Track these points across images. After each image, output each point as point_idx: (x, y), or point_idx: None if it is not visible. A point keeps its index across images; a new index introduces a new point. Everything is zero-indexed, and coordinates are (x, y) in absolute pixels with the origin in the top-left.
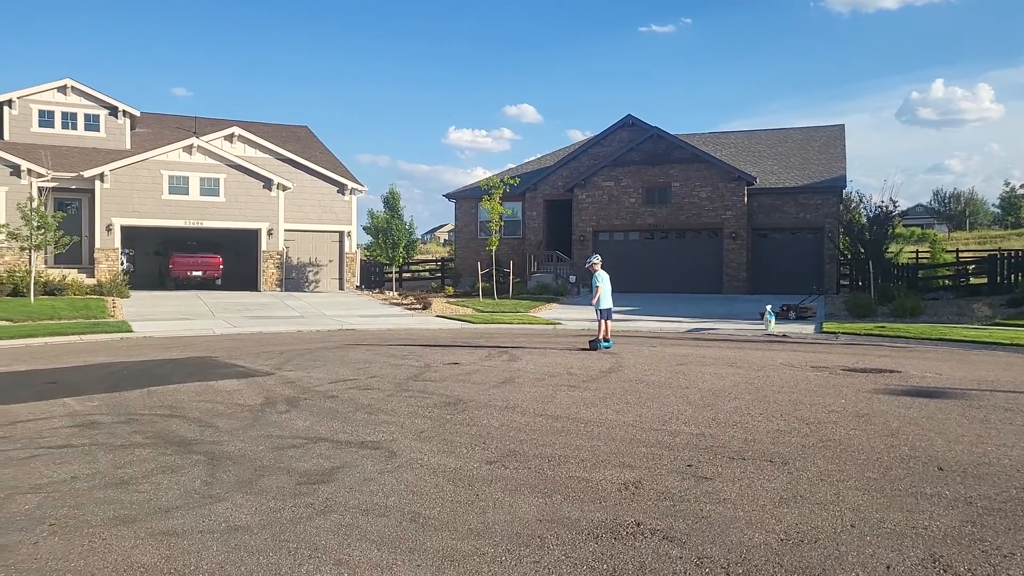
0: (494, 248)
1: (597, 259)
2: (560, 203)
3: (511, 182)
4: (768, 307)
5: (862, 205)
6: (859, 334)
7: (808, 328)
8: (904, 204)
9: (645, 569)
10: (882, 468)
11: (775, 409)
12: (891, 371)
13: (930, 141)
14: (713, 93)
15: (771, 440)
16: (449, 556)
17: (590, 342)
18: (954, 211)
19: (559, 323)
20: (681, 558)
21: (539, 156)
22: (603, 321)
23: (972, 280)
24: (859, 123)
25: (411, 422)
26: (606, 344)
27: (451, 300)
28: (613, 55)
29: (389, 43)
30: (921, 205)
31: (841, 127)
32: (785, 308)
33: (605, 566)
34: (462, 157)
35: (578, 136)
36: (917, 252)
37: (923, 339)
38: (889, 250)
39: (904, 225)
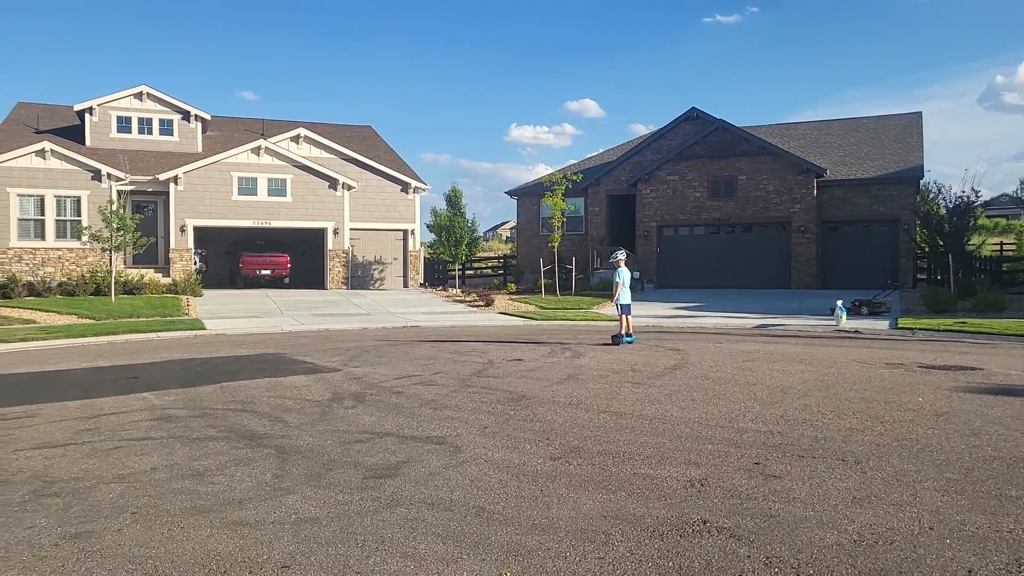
0: (556, 244)
1: (623, 254)
2: (623, 198)
3: (573, 178)
4: (839, 302)
5: (941, 196)
6: (938, 330)
7: (882, 324)
8: (987, 194)
9: (712, 567)
10: (963, 469)
11: (847, 407)
12: (973, 368)
13: (1016, 127)
14: (781, 84)
15: (843, 438)
16: (514, 551)
17: (612, 337)
18: None
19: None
20: (749, 557)
21: (601, 151)
22: (624, 316)
23: None
24: (938, 110)
25: (475, 418)
26: (628, 339)
27: (513, 297)
28: (677, 47)
29: (450, 42)
30: (1006, 195)
31: (918, 115)
32: (857, 303)
33: (671, 563)
34: (524, 154)
35: (641, 130)
36: (1001, 244)
37: (1008, 335)
38: (971, 242)
39: (987, 216)
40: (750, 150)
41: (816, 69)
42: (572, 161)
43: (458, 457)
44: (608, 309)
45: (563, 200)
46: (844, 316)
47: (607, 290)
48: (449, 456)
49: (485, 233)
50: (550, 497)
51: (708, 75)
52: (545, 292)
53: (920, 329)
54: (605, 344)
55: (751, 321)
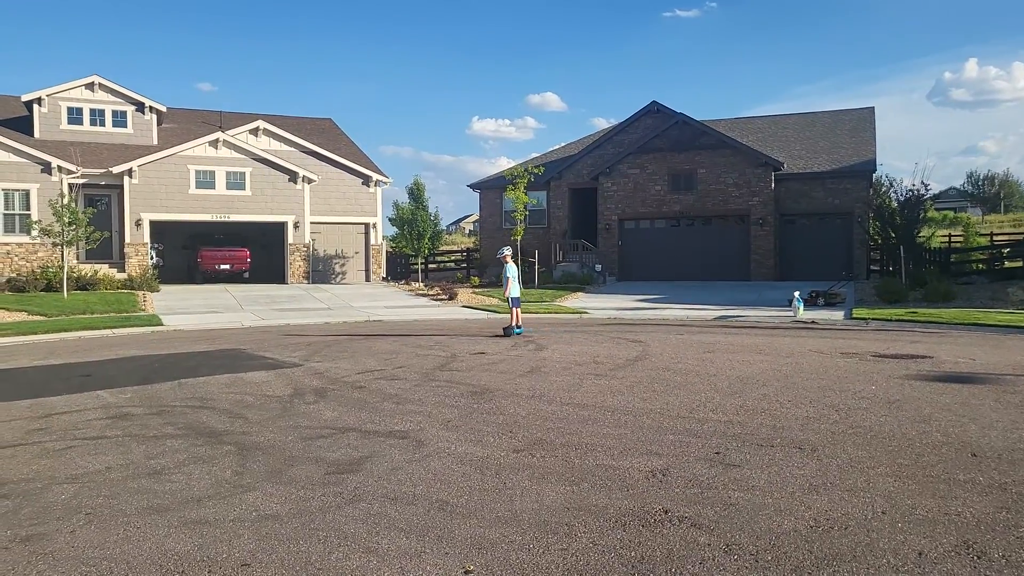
0: (519, 238)
1: (508, 251)
2: (585, 191)
3: (535, 171)
4: (796, 294)
5: (892, 189)
6: (890, 320)
7: (837, 314)
8: (936, 187)
9: (673, 556)
10: (914, 455)
11: (804, 396)
12: (923, 357)
13: (963, 122)
14: (739, 78)
15: (800, 427)
16: (477, 544)
17: (503, 329)
18: (988, 194)
19: (585, 312)
20: (709, 545)
21: (563, 144)
22: (514, 309)
23: (1007, 264)
24: (890, 105)
25: (438, 411)
26: (518, 330)
27: (477, 290)
28: (637, 41)
29: (411, 33)
30: (954, 188)
31: (871, 110)
32: (814, 295)
33: (633, 553)
34: (486, 147)
35: (603, 124)
36: (950, 236)
37: (956, 324)
38: (921, 234)
39: (936, 209)
40: (710, 143)
41: (772, 64)
42: (534, 154)
43: (421, 451)
44: (571, 302)
45: (525, 193)
46: (801, 307)
47: (570, 283)
48: (412, 450)
49: (448, 226)
50: (513, 490)
51: (668, 70)
52: None
53: (873, 319)
54: (573, 337)
55: (712, 313)
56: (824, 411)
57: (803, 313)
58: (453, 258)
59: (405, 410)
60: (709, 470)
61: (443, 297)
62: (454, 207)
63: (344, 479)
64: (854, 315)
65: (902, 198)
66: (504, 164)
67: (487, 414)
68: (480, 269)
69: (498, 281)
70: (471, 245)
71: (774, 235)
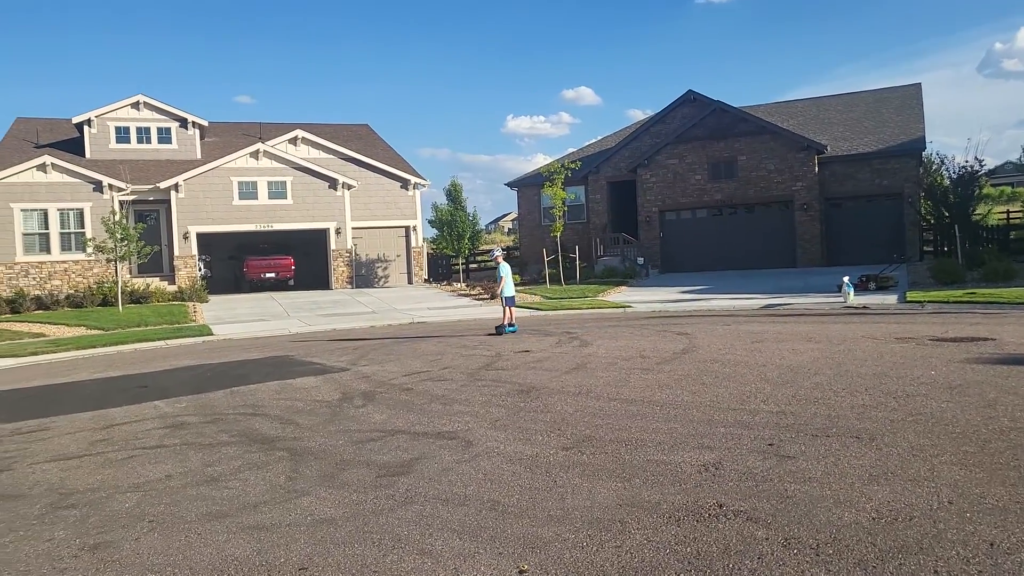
0: (559, 234)
1: (499, 252)
2: (624, 184)
3: (572, 166)
4: (846, 279)
5: (944, 167)
6: (947, 302)
7: (890, 298)
8: (991, 162)
9: (730, 551)
10: (980, 442)
11: (859, 383)
12: (984, 339)
13: (1018, 94)
14: (777, 62)
15: (856, 416)
16: (530, 543)
17: (496, 327)
18: None
19: (629, 306)
20: (767, 539)
21: (600, 138)
22: (508, 308)
23: None
24: (937, 81)
25: (485, 411)
26: (511, 328)
27: (518, 288)
28: (670, 31)
29: (442, 35)
30: (1010, 162)
31: (917, 86)
32: (864, 279)
33: (688, 549)
34: (522, 144)
35: (639, 116)
36: (1008, 212)
37: (1018, 304)
38: (976, 212)
39: (992, 185)
40: (749, 130)
41: (811, 46)
42: (571, 150)
43: (470, 451)
44: (614, 296)
45: (563, 189)
46: (851, 292)
47: (612, 277)
48: (461, 451)
49: (487, 226)
50: (564, 488)
51: (704, 58)
52: (549, 282)
53: (929, 302)
54: (617, 331)
55: (757, 302)
56: (881, 398)
57: (853, 298)
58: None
59: (453, 411)
60: (763, 462)
61: (485, 296)
62: (492, 206)
63: (395, 481)
64: (908, 298)
65: (955, 175)
66: (541, 161)
67: (534, 412)
68: (521, 267)
69: (539, 278)
70: (511, 243)
71: (820, 220)
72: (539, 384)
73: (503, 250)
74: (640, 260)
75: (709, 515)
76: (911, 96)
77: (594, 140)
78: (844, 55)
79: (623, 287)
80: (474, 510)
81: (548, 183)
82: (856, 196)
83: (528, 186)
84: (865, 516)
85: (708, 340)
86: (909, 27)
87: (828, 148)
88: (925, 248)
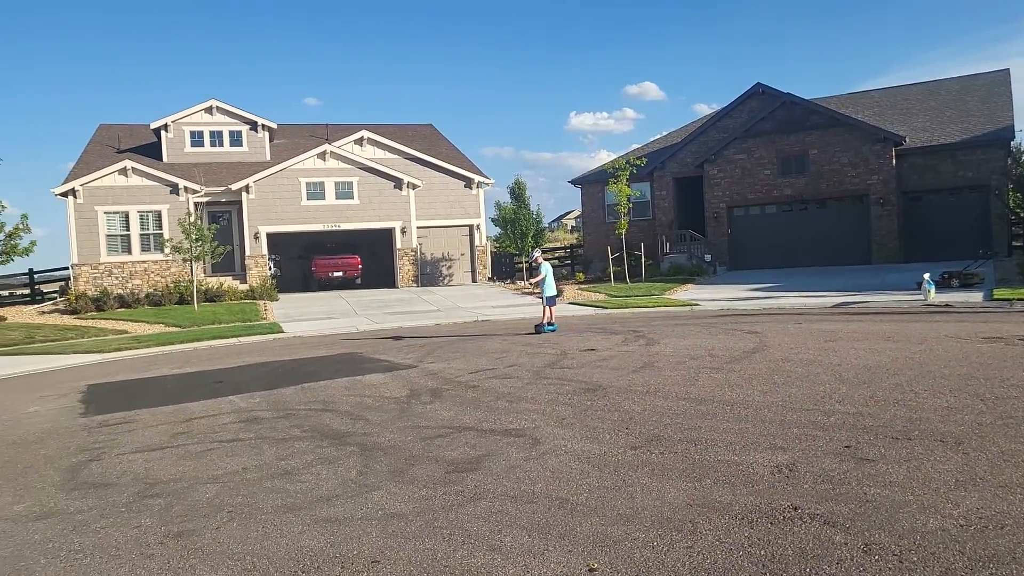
0: (623, 231)
1: (539, 252)
2: (690, 180)
3: (637, 163)
4: (926, 276)
5: None
6: None
7: (975, 296)
8: None
9: (806, 555)
10: None
11: (943, 385)
12: None
13: None
14: (850, 51)
15: (940, 418)
16: (599, 541)
17: (535, 326)
18: None
19: (696, 304)
20: (846, 544)
21: (665, 133)
22: (548, 307)
23: None
24: None
25: (552, 409)
26: (550, 328)
27: (582, 286)
28: (738, 22)
29: (505, 33)
30: None
31: (1005, 72)
32: (947, 276)
33: (762, 552)
34: (585, 141)
35: (704, 110)
36: None
37: None
38: None
39: None
40: (821, 123)
41: (888, 32)
42: (635, 146)
43: (538, 449)
44: (681, 294)
45: (628, 186)
46: (932, 290)
47: (678, 274)
48: (529, 448)
49: (550, 223)
50: (633, 487)
51: (772, 49)
52: (614, 280)
53: (1019, 300)
54: (685, 330)
55: (831, 299)
56: (968, 400)
57: (935, 296)
58: (557, 255)
59: (519, 408)
60: (840, 465)
61: None
62: (555, 204)
63: (464, 478)
64: (995, 296)
65: None
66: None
67: (601, 411)
68: (584, 265)
69: (604, 276)
70: (574, 241)
71: (897, 214)
72: (606, 383)
73: (540, 252)
74: (707, 257)
75: (783, 518)
76: (999, 82)
77: (659, 136)
78: (924, 41)
79: (690, 285)
80: (542, 507)
81: (613, 180)
82: (937, 189)
83: (592, 183)
84: (952, 523)
85: (779, 339)
86: (996, 8)
87: (907, 139)
88: (1014, 243)
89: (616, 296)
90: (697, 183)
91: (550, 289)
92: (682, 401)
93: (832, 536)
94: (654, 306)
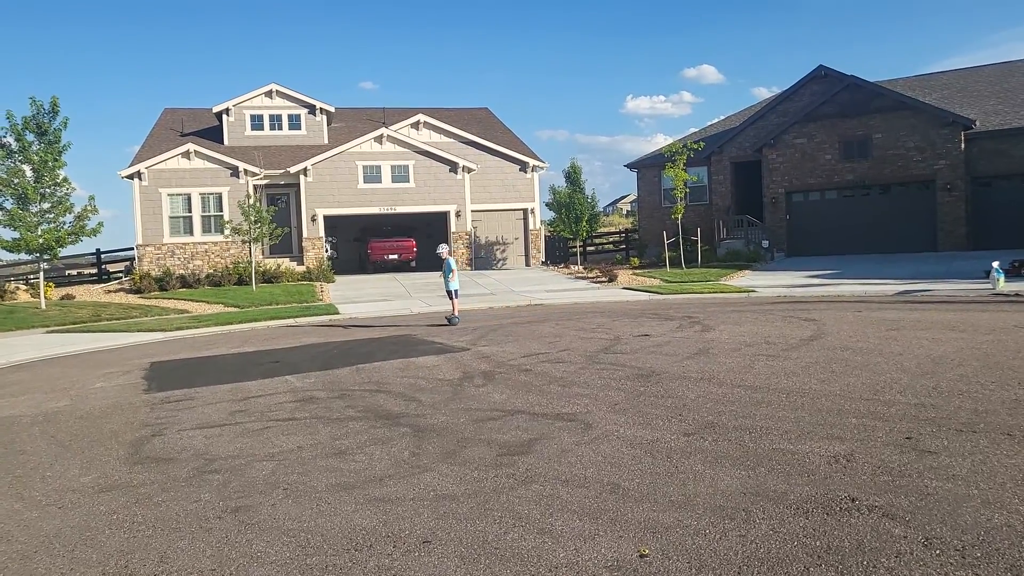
0: (679, 216)
1: (446, 248)
2: (748, 165)
3: (695, 147)
4: (995, 264)
5: None
6: None
7: None
8: None
9: (864, 548)
10: None
11: (1011, 376)
12: None
13: None
14: (917, 32)
15: (1008, 411)
16: (651, 527)
17: (446, 318)
18: None
19: (753, 290)
20: (906, 538)
21: (723, 117)
22: (454, 300)
23: None
24: None
25: (604, 394)
26: (457, 319)
27: (637, 271)
28: (801, 4)
29: (561, 16)
30: None
31: None
32: (1017, 264)
33: (818, 543)
34: (641, 125)
35: (764, 94)
36: None
37: None
38: None
39: None
40: (885, 106)
41: (958, 11)
42: (692, 129)
43: (590, 434)
44: (737, 280)
45: (685, 170)
46: (1002, 278)
47: (735, 260)
48: (581, 433)
49: (605, 208)
50: (686, 473)
51: (835, 30)
52: (669, 265)
53: None
54: (741, 317)
55: (892, 287)
56: None
57: (1004, 284)
58: (611, 239)
59: (571, 393)
60: (900, 456)
61: (603, 279)
62: (610, 188)
63: (515, 461)
64: None
65: None
66: (661, 141)
67: (655, 397)
68: (639, 250)
69: (659, 261)
70: (629, 226)
71: (965, 200)
72: (659, 368)
73: (447, 247)
74: (765, 243)
75: (840, 509)
76: None
77: (716, 120)
78: (997, 19)
79: (746, 271)
80: (594, 492)
81: (669, 164)
82: (1009, 175)
83: (648, 167)
84: (1018, 519)
85: (838, 327)
86: None
87: (977, 123)
88: None
89: (671, 281)
90: (755, 167)
91: (455, 283)
92: (737, 388)
93: (891, 529)
94: (710, 292)
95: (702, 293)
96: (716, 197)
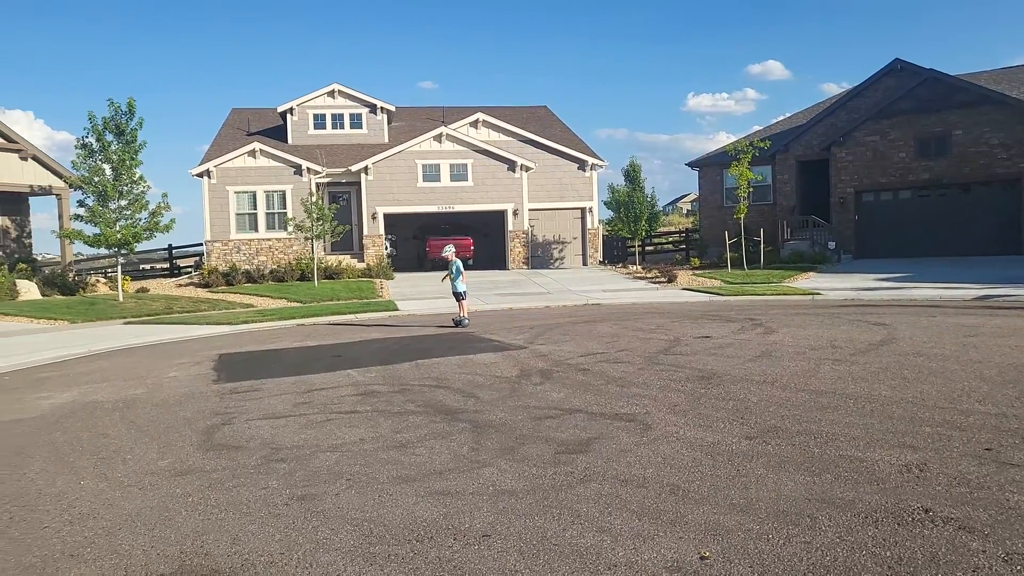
0: (742, 216)
1: (452, 249)
2: (815, 164)
3: (760, 145)
4: None
5: None
6: None
7: None
8: None
9: (938, 561)
10: None
11: None
12: None
13: None
14: (1003, 21)
15: None
16: (712, 530)
17: (453, 320)
18: None
19: (818, 293)
20: (984, 552)
21: (788, 115)
22: (463, 302)
23: None
24: None
25: (664, 395)
26: (465, 322)
27: (697, 272)
28: None
29: (621, 13)
30: None
31: None
32: None
33: (888, 553)
34: (702, 123)
35: (834, 90)
36: None
37: None
38: None
39: None
40: (967, 100)
41: None
42: (756, 128)
43: (649, 435)
44: (801, 283)
45: (749, 169)
46: None
47: (799, 262)
48: (640, 434)
49: (664, 207)
50: (747, 477)
51: (912, 22)
52: (731, 266)
53: None
54: (806, 320)
55: (971, 292)
56: None
57: None
58: (671, 239)
59: (630, 393)
60: (979, 468)
61: (662, 280)
62: (670, 187)
63: (574, 459)
64: None
65: None
66: (723, 140)
67: (715, 399)
68: (700, 250)
69: (720, 262)
70: (689, 225)
71: None
72: (720, 371)
73: (452, 248)
74: (831, 244)
75: (913, 519)
76: None
77: (782, 117)
78: None
79: (811, 273)
80: (653, 492)
81: (734, 163)
82: None
83: (710, 166)
84: None
85: (910, 332)
86: None
87: None
88: None
89: (732, 283)
90: (822, 166)
91: (462, 285)
92: (801, 392)
93: (968, 542)
94: (773, 294)
95: (765, 295)
96: (780, 197)
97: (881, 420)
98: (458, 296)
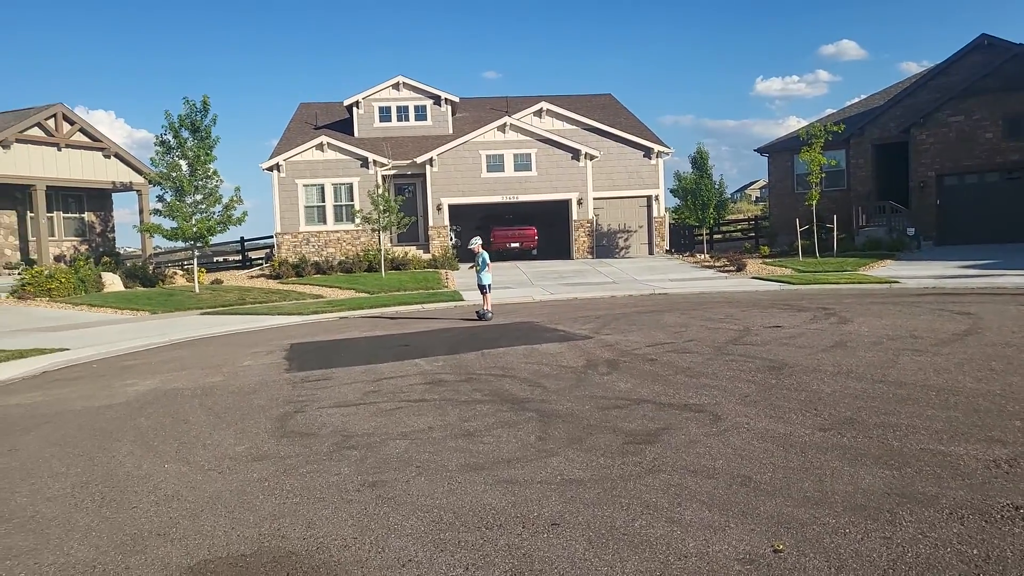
0: (814, 202)
1: (479, 240)
2: (892, 147)
3: (834, 129)
4: None
5: None
6: None
7: None
8: None
9: None
10: None
11: None
12: None
13: None
14: None
15: None
16: (784, 522)
17: (476, 312)
18: None
19: (896, 281)
20: None
21: (863, 97)
22: (487, 295)
23: None
24: None
25: (733, 386)
26: (490, 315)
27: (767, 260)
28: None
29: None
30: None
31: None
32: None
33: (975, 551)
34: (772, 108)
35: (913, 69)
36: None
37: None
38: None
39: None
40: None
41: None
42: (829, 111)
43: (719, 425)
44: (878, 270)
45: (821, 154)
46: None
47: (875, 249)
48: (709, 424)
49: (733, 194)
50: (821, 469)
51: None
52: (802, 254)
53: None
54: (883, 309)
55: None
56: None
57: None
58: (739, 227)
59: (699, 383)
60: None
61: (730, 268)
62: (738, 173)
63: (642, 449)
64: None
65: None
66: (793, 124)
67: (787, 390)
68: (770, 238)
69: (791, 250)
70: (758, 213)
71: None
72: (792, 361)
73: (479, 240)
74: (910, 231)
75: (1001, 517)
76: None
77: (856, 100)
78: None
79: (888, 260)
80: (724, 484)
81: (806, 147)
82: None
83: (780, 151)
84: None
85: (998, 321)
86: None
87: None
88: None
89: (804, 271)
90: (900, 150)
91: (487, 278)
92: (879, 384)
93: None
94: (847, 282)
95: (838, 283)
96: (855, 182)
97: (966, 413)
98: (483, 288)
